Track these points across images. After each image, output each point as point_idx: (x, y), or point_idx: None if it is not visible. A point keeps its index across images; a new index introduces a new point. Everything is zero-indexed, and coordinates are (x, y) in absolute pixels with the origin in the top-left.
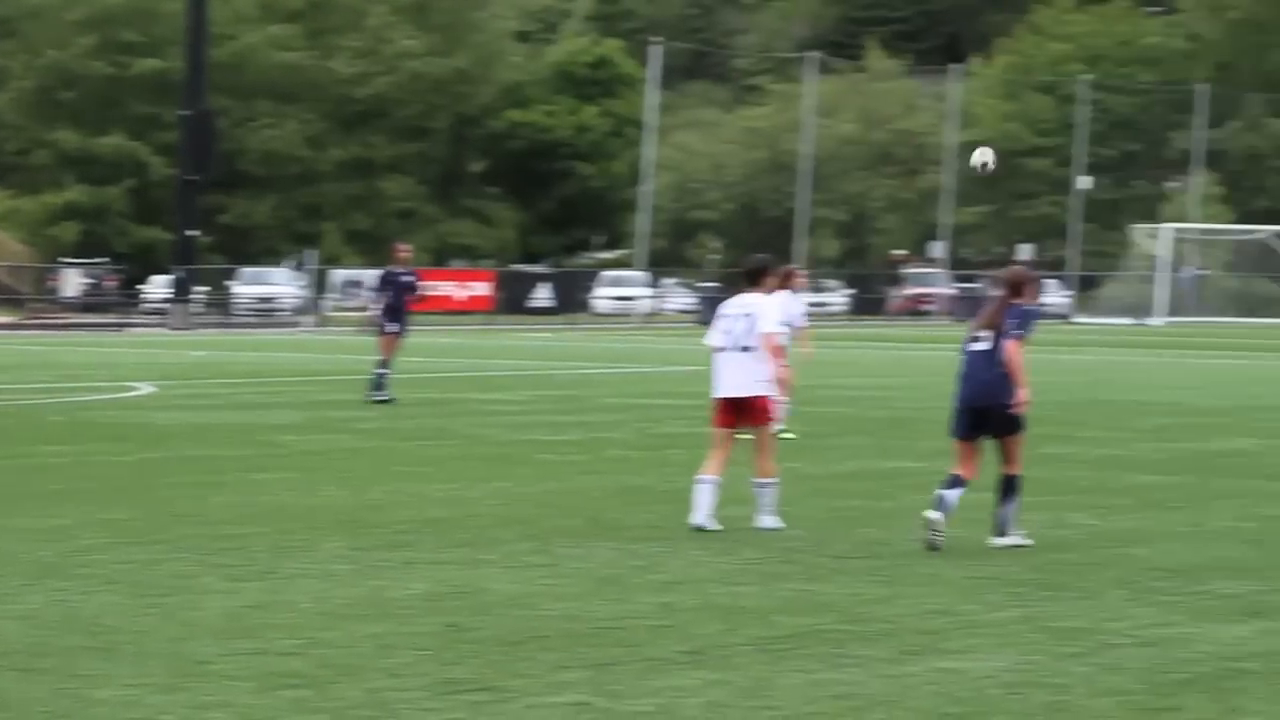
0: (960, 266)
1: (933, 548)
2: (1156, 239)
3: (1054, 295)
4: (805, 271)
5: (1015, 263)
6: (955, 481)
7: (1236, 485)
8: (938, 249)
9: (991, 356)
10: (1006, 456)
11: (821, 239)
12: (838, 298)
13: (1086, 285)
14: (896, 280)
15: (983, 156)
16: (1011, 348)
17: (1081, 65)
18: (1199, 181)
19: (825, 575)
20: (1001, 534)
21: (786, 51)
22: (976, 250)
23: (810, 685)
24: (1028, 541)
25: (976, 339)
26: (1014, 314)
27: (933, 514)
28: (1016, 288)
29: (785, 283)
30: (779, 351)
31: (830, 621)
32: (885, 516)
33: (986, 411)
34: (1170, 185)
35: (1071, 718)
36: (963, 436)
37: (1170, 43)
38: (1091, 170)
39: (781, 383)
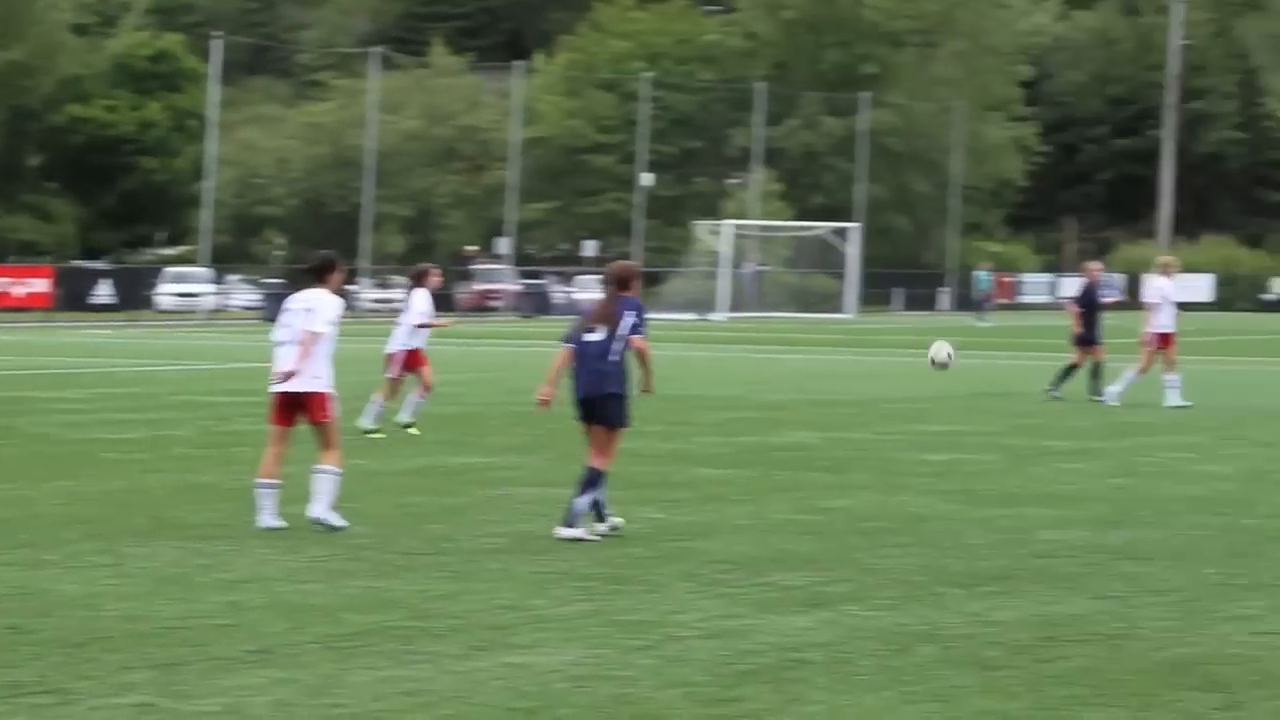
0: (526, 262)
1: (613, 530)
2: (718, 235)
3: None
4: (439, 271)
5: (620, 257)
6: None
7: (796, 478)
8: (503, 245)
9: (605, 349)
10: (599, 448)
11: (387, 235)
12: (403, 294)
13: (650, 281)
14: (467, 276)
15: (947, 360)
16: (639, 343)
17: (643, 63)
18: (758, 179)
19: (393, 572)
20: (570, 525)
21: (349, 47)
22: (541, 246)
23: (379, 682)
24: (593, 537)
25: (591, 330)
26: (628, 306)
27: (599, 525)
28: (624, 281)
29: (420, 281)
30: (416, 356)
31: (399, 618)
32: (453, 512)
33: (595, 402)
34: (731, 182)
35: (637, 710)
36: (583, 420)
37: (728, 41)
38: (654, 167)
39: (389, 387)
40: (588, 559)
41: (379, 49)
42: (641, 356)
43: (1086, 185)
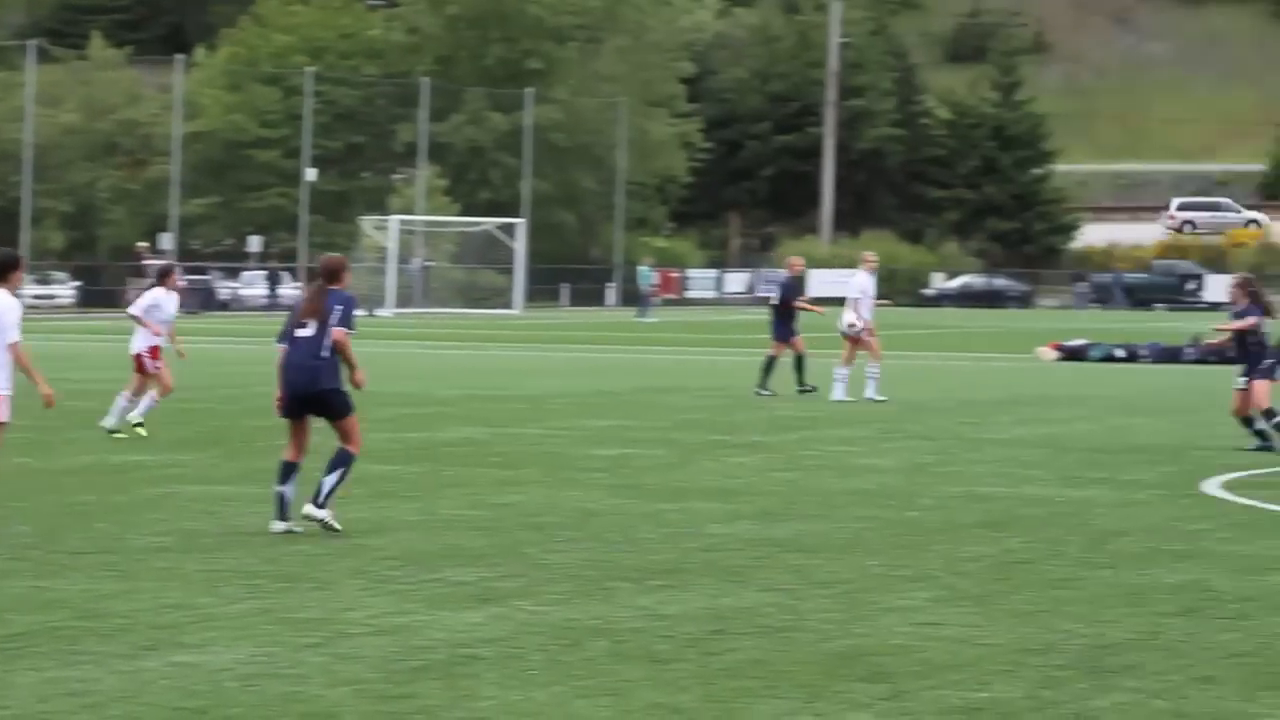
0: (189, 258)
1: (288, 532)
2: (385, 231)
3: (286, 287)
4: (182, 269)
5: (283, 254)
6: (287, 470)
7: (466, 474)
8: (166, 240)
9: (316, 343)
10: (342, 436)
11: (47, 230)
12: (65, 290)
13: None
14: (140, 272)
15: (854, 326)
16: (339, 336)
17: (306, 57)
18: (424, 174)
19: (58, 571)
20: (319, 504)
21: (3, 39)
22: (205, 242)
23: (44, 684)
24: (336, 526)
25: (303, 325)
26: (337, 300)
27: (278, 524)
28: (334, 274)
29: (163, 281)
30: (155, 351)
31: (64, 618)
32: (120, 511)
33: (311, 397)
34: (397, 177)
35: (308, 708)
36: (289, 416)
37: (392, 36)
38: (319, 162)
39: (160, 381)
40: (256, 557)
41: (35, 41)
42: (340, 350)
43: (750, 181)
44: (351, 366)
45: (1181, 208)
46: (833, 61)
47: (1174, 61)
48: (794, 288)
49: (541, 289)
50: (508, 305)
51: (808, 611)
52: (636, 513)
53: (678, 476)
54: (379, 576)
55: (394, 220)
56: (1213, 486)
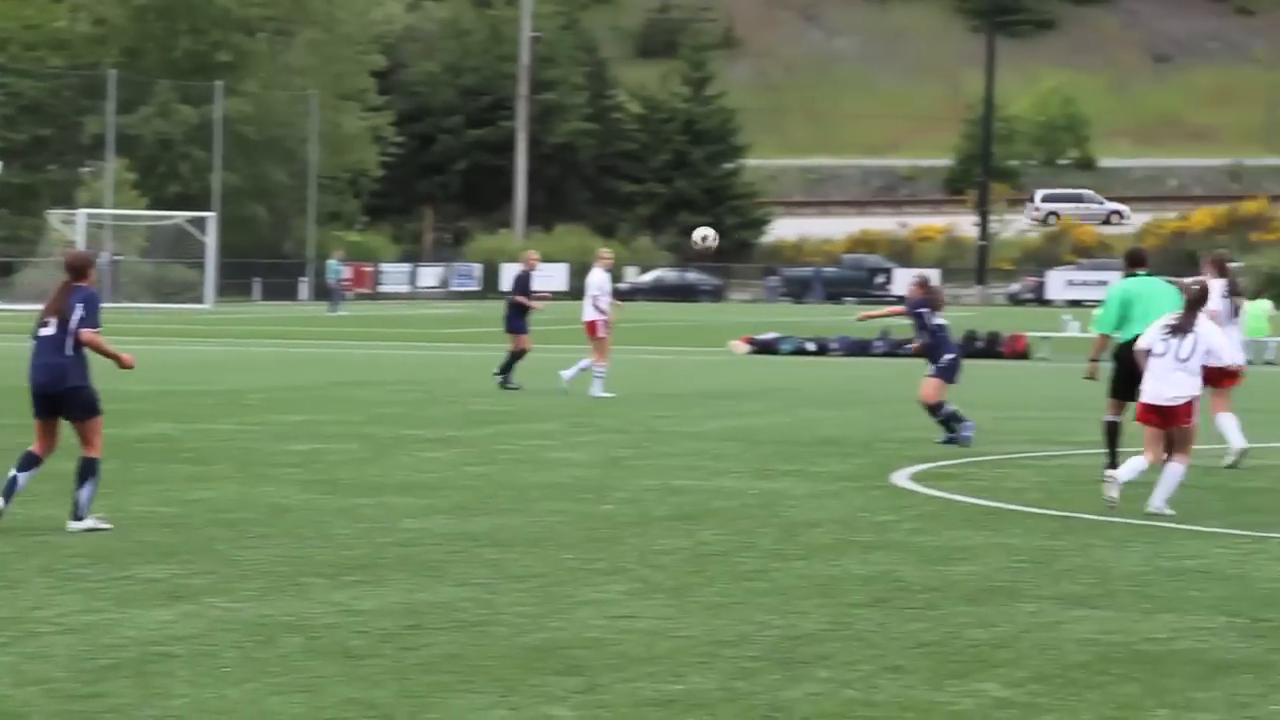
0: None
1: None
2: (72, 225)
3: None
4: None
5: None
6: (29, 461)
7: (157, 470)
8: None
9: (59, 342)
10: (82, 440)
11: None
12: None
13: (2, 272)
14: None
15: (707, 240)
16: (88, 337)
17: None
18: (112, 167)
19: None
20: (79, 518)
21: None
22: None
23: None
24: (105, 525)
25: (45, 324)
26: (79, 298)
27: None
28: (79, 271)
29: None
30: None
31: None
32: None
33: (57, 396)
34: (84, 171)
35: None
36: (38, 416)
37: (78, 27)
38: (3, 155)
39: None
40: None
41: None
42: (93, 348)
43: (442, 175)
44: (113, 356)
45: (1046, 199)
46: (524, 55)
47: (861, 57)
48: (528, 282)
49: (233, 283)
50: (199, 300)
51: (503, 606)
52: (330, 508)
53: (372, 471)
54: (68, 574)
55: (82, 214)
56: (902, 478)
